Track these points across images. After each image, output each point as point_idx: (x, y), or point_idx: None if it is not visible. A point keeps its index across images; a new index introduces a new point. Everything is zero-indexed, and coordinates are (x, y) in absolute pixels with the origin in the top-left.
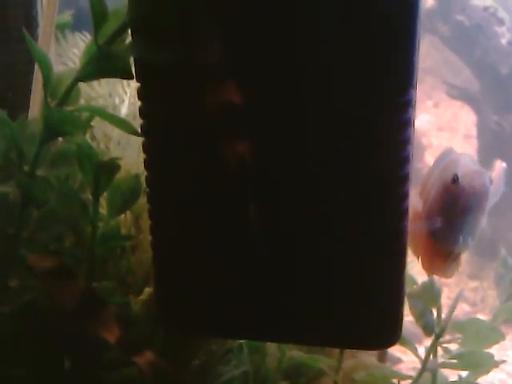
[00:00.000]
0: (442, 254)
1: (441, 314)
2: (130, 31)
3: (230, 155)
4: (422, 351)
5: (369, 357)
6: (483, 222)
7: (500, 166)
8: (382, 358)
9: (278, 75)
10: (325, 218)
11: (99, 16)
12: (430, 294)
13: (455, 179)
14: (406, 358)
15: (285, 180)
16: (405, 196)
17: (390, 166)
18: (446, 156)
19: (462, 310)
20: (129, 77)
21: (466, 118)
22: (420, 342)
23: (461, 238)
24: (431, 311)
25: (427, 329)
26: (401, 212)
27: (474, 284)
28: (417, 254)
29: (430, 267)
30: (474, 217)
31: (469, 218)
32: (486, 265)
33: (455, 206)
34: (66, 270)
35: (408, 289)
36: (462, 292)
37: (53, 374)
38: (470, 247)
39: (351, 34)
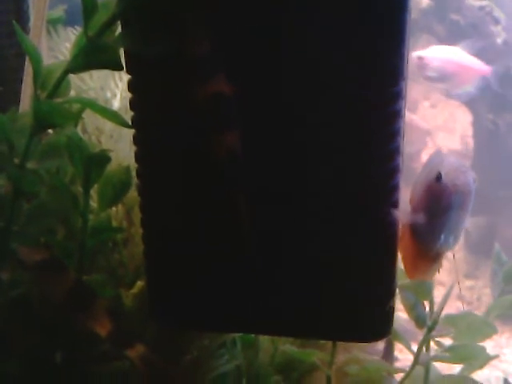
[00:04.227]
0: (423, 254)
1: (433, 307)
2: (120, 23)
3: (219, 146)
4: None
5: (361, 351)
6: (467, 221)
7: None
8: (388, 358)
9: (268, 67)
10: (316, 211)
11: (89, 7)
12: (422, 287)
13: (438, 177)
14: (401, 357)
15: (274, 173)
16: (395, 187)
17: (380, 157)
18: (434, 159)
19: (458, 308)
20: (119, 68)
21: (463, 118)
22: (415, 340)
23: (442, 236)
24: (423, 304)
25: (419, 321)
26: (391, 204)
27: (469, 283)
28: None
29: (412, 268)
30: (456, 215)
31: (451, 216)
32: (481, 263)
33: (438, 204)
34: (57, 262)
35: (400, 281)
36: (454, 286)
37: (44, 367)
38: (453, 247)
39: (340, 24)
